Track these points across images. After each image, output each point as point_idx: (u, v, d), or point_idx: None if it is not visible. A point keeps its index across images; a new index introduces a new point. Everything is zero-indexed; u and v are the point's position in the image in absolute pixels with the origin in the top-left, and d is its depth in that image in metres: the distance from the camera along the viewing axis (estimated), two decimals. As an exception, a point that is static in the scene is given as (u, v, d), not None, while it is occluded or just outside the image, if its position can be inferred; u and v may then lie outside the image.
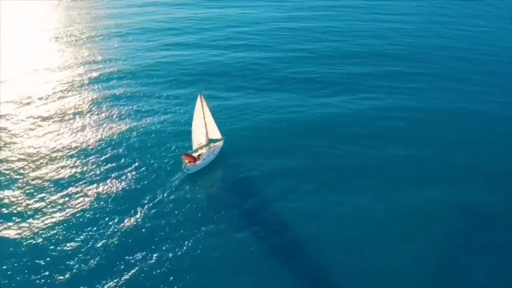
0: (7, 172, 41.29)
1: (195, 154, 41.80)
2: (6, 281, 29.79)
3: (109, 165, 41.93)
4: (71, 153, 44.01)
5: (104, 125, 49.40)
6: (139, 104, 54.43)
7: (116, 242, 32.85)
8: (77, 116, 51.65)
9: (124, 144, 45.29)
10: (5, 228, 34.45)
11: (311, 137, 46.15)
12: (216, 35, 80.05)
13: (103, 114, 51.88)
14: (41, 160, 42.96)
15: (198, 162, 40.89)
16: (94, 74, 63.52)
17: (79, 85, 60.21)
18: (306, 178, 40.00)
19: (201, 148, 42.61)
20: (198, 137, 42.17)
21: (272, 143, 45.16)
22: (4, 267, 30.89)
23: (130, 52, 72.27)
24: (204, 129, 41.98)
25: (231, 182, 40.35)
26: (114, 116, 51.55)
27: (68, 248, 32.37)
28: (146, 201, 37.01)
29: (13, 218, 35.49)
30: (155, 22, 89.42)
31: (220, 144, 43.78)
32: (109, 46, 75.57)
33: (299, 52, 70.90)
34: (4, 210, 36.36)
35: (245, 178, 40.34)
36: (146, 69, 64.76)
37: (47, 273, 30.41)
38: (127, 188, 38.73)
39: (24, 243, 32.90)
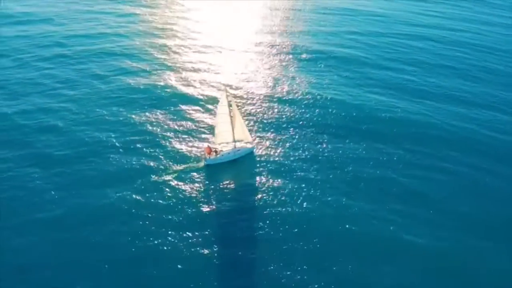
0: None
1: (217, 149, 43.52)
2: None
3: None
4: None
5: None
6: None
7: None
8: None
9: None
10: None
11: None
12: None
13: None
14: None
15: (211, 156, 42.80)
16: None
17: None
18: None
19: (226, 144, 43.78)
20: (222, 133, 43.19)
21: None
22: None
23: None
24: (230, 126, 42.93)
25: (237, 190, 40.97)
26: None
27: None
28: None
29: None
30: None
31: (247, 146, 44.51)
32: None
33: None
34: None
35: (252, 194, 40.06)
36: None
37: None
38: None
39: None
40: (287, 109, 53.70)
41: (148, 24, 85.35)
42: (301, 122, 50.77)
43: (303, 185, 40.51)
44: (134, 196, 38.82)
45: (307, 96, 56.42)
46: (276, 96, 57.18)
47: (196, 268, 32.09)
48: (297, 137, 48.08)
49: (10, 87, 57.51)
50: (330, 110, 53.17)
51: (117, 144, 46.36)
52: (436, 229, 35.78)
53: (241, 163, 44.33)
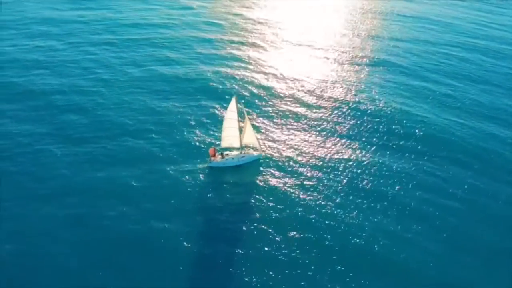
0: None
1: (223, 153, 43.09)
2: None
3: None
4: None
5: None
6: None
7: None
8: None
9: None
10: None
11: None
12: None
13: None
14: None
15: (215, 159, 42.42)
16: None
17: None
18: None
19: (231, 149, 43.31)
20: (229, 137, 42.74)
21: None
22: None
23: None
24: (237, 131, 42.45)
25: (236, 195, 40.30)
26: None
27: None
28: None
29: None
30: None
31: (253, 153, 43.84)
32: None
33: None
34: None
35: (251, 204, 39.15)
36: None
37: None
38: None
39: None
40: (322, 114, 52.78)
41: (198, 17, 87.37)
42: (340, 130, 49.66)
43: (312, 196, 39.45)
44: (134, 181, 40.23)
45: (349, 104, 55.00)
46: (307, 98, 56.41)
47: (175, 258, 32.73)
48: (325, 145, 47.01)
49: (54, 67, 61.94)
50: (376, 121, 51.55)
51: (134, 131, 48.14)
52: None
53: (246, 169, 43.43)
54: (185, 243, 34.01)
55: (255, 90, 58.12)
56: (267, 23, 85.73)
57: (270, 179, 41.48)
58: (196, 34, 77.48)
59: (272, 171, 42.51)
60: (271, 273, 31.84)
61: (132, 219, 35.95)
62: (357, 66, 66.91)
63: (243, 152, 43.66)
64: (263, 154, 44.18)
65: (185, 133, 47.73)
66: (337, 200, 38.93)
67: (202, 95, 55.91)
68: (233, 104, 40.96)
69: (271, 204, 38.32)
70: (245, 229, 35.83)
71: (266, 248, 33.93)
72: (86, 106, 52.65)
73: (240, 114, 41.88)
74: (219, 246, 34.05)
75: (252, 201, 39.01)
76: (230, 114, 41.42)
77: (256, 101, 55.35)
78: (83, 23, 79.55)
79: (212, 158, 42.31)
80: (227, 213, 37.46)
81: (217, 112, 52.05)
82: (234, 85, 58.84)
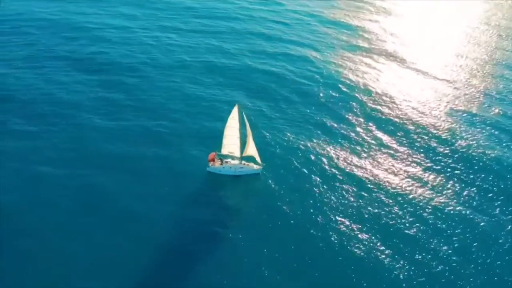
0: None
1: (222, 159, 42.34)
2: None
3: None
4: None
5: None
6: None
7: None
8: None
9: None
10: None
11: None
12: None
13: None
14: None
15: (214, 164, 41.75)
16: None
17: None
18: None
19: (231, 156, 42.27)
20: (229, 146, 41.69)
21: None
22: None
23: None
24: (237, 140, 41.12)
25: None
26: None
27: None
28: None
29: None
30: None
31: (253, 166, 42.13)
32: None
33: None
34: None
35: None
36: None
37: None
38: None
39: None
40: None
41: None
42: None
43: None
44: (147, 159, 43.80)
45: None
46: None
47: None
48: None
49: (145, 48, 68.94)
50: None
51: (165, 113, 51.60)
52: None
53: (245, 181, 41.82)
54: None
55: (349, 105, 55.52)
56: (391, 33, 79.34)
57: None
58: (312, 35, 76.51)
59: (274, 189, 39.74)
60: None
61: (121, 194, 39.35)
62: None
63: (242, 162, 41.99)
64: (261, 168, 41.78)
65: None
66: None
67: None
68: (235, 112, 39.73)
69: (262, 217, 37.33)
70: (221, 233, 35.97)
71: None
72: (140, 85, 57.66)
73: (243, 124, 40.19)
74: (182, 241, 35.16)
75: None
76: (231, 122, 40.25)
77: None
78: (191, 9, 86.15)
79: (211, 163, 41.99)
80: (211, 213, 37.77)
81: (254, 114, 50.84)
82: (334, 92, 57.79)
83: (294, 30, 78.17)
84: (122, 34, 73.48)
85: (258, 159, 41.16)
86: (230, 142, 41.18)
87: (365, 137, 49.07)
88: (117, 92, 56.09)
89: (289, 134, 48.29)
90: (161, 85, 58.13)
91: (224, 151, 42.00)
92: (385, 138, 49.19)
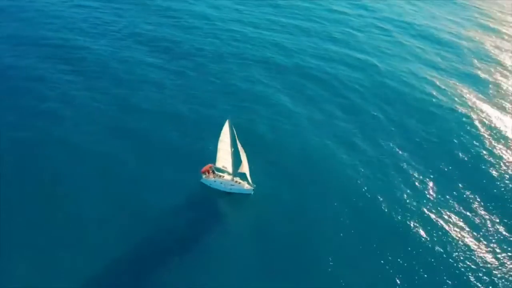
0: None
1: (219, 173, 41.12)
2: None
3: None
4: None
5: None
6: None
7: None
8: None
9: None
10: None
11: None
12: None
13: None
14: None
15: (208, 177, 40.75)
16: None
17: None
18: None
19: (224, 171, 40.87)
20: (222, 159, 40.35)
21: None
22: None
23: None
24: (229, 156, 39.52)
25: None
26: None
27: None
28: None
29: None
30: None
31: (245, 186, 40.25)
32: None
33: None
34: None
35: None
36: None
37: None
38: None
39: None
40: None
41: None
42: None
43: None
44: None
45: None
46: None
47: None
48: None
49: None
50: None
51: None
52: None
53: (237, 200, 40.27)
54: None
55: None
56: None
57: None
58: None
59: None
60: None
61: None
62: None
63: (234, 179, 40.42)
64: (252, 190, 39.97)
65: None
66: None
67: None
68: (226, 127, 38.19)
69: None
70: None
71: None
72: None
73: (234, 141, 38.49)
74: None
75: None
76: (222, 136, 38.82)
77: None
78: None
79: (205, 174, 40.82)
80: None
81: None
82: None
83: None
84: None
85: (249, 178, 39.32)
86: (222, 156, 39.85)
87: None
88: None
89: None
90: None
91: (218, 164, 40.64)
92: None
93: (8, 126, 47.39)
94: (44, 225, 36.33)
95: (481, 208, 40.43)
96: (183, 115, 50.69)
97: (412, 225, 38.17)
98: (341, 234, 36.88)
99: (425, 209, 39.85)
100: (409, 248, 35.99)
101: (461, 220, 38.97)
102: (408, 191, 41.67)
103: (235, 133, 37.94)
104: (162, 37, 69.29)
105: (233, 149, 38.64)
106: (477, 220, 39.15)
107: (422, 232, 37.50)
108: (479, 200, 41.29)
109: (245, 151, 38.74)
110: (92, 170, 42.04)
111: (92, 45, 65.98)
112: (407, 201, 40.49)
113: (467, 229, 38.16)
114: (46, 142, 45.77)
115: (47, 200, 38.72)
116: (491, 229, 38.25)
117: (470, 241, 36.92)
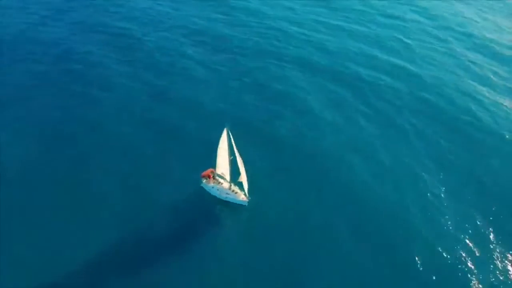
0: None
1: (219, 179, 40.81)
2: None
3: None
4: None
5: None
6: None
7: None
8: None
9: None
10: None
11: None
12: None
13: None
14: None
15: (208, 182, 40.60)
16: None
17: None
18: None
19: (223, 178, 40.50)
20: (221, 166, 40.15)
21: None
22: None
23: None
24: (226, 163, 39.23)
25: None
26: None
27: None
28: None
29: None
30: None
31: (240, 196, 39.43)
32: None
33: None
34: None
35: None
36: None
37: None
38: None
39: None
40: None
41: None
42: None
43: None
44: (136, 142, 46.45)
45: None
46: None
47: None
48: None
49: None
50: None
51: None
52: None
53: (235, 209, 39.94)
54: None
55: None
56: None
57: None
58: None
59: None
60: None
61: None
62: None
63: (232, 188, 39.83)
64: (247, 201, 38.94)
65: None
66: None
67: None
68: (224, 135, 37.99)
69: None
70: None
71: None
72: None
73: (232, 149, 37.97)
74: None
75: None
76: (221, 143, 38.65)
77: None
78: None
79: (206, 179, 40.69)
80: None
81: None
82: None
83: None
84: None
85: (246, 189, 38.37)
86: (220, 163, 39.68)
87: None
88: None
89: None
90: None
91: (218, 170, 40.47)
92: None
93: (48, 107, 52.35)
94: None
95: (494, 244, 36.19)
96: (209, 113, 51.41)
97: (427, 255, 35.15)
98: (343, 250, 35.41)
99: (439, 237, 36.49)
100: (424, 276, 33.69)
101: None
102: (427, 224, 37.77)
103: (232, 141, 37.39)
104: (209, 32, 71.00)
105: (231, 157, 38.15)
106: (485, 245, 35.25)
107: (432, 258, 34.79)
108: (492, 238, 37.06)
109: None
110: (113, 153, 44.75)
111: (144, 36, 70.00)
112: (422, 231, 37.12)
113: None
114: (77, 121, 49.69)
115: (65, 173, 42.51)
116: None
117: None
